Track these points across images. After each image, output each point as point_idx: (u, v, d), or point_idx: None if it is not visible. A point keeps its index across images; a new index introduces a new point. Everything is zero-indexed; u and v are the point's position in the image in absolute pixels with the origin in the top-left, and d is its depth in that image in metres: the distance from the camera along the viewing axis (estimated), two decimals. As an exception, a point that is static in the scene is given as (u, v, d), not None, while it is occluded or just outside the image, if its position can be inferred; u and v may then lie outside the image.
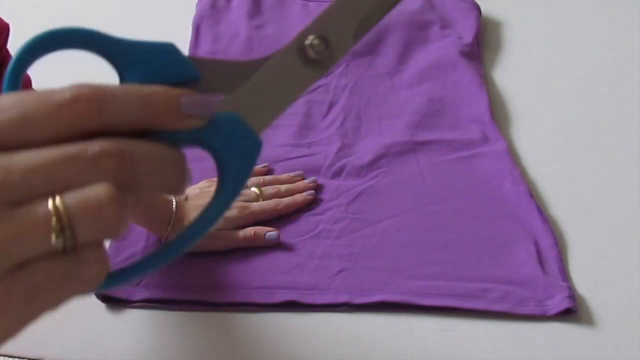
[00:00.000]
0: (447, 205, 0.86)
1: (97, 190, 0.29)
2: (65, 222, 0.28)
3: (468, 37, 1.12)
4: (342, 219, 0.83)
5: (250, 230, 0.80)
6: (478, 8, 1.19)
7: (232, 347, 0.71)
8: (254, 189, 0.84)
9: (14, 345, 0.71)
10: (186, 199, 0.80)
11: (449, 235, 0.82)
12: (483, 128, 0.96)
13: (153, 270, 0.34)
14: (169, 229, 0.77)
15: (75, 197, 0.28)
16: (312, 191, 0.86)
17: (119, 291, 0.74)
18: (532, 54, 1.14)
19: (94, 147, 0.29)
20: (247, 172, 0.34)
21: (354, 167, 0.90)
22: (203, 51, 1.10)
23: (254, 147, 0.33)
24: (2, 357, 0.70)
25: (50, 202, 0.28)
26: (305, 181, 0.88)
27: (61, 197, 0.28)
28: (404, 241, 0.81)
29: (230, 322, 0.74)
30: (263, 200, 0.84)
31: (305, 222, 0.83)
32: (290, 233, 0.82)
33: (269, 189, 0.85)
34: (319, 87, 1.04)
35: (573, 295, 0.75)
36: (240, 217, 0.80)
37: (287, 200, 0.84)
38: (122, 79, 0.34)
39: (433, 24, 1.14)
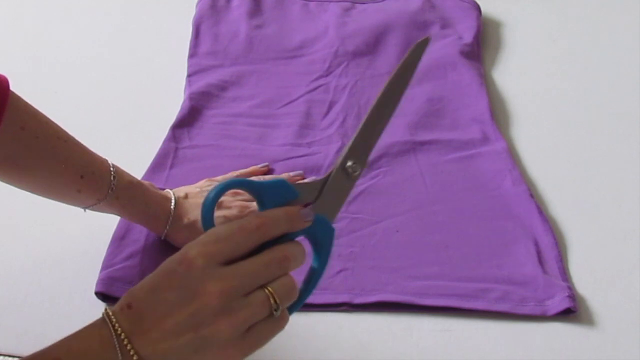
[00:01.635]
0: (447, 205, 0.86)
1: (287, 280, 0.51)
2: (277, 300, 0.50)
3: (468, 37, 1.12)
4: (342, 219, 0.83)
5: None
6: (478, 8, 1.19)
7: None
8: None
9: (14, 345, 0.71)
10: (186, 197, 0.80)
11: (449, 235, 0.82)
12: (483, 128, 0.96)
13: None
14: (167, 227, 0.78)
15: (277, 285, 0.50)
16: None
17: (120, 290, 0.74)
18: (532, 54, 1.14)
19: (278, 254, 0.50)
20: (332, 246, 0.54)
21: (354, 167, 0.90)
22: (203, 50, 1.10)
23: (333, 232, 0.54)
24: (2, 357, 0.70)
25: (266, 291, 0.49)
26: (306, 180, 0.88)
27: (270, 287, 0.50)
28: (403, 241, 0.81)
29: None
30: None
31: (305, 221, 0.83)
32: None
33: None
34: (319, 86, 1.04)
35: (573, 295, 0.75)
36: (240, 216, 0.80)
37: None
38: (264, 205, 0.51)
39: (433, 24, 1.14)
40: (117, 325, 0.48)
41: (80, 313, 0.74)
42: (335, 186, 0.52)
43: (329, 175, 0.52)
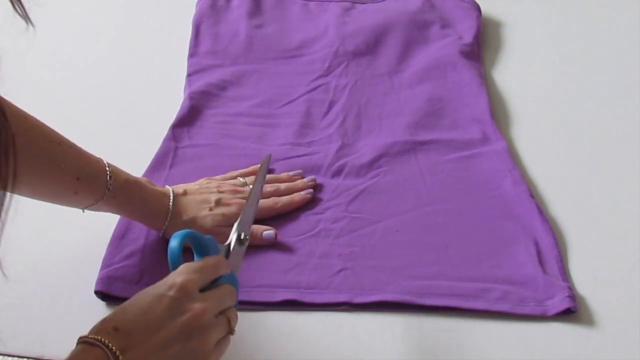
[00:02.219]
0: (447, 205, 0.86)
1: (235, 311, 0.64)
2: (232, 325, 0.62)
3: (468, 37, 1.12)
4: (342, 218, 0.83)
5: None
6: (478, 8, 1.18)
7: (232, 345, 0.71)
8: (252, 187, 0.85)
9: (14, 345, 0.71)
10: (184, 193, 0.80)
11: (449, 235, 0.82)
12: (483, 128, 0.96)
13: None
14: (166, 223, 0.78)
15: (231, 311, 0.63)
16: (311, 190, 0.86)
17: (119, 289, 0.75)
18: (532, 54, 1.14)
19: (231, 288, 0.64)
20: (239, 291, 0.65)
21: (354, 167, 0.90)
22: (203, 50, 1.10)
23: (237, 282, 0.65)
24: (2, 357, 0.70)
25: (225, 317, 0.61)
26: (304, 180, 0.88)
27: (228, 313, 0.62)
28: (404, 241, 0.81)
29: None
30: (261, 198, 0.84)
31: (305, 221, 0.83)
32: (290, 232, 0.82)
33: (267, 187, 0.85)
34: (319, 86, 1.04)
35: (573, 295, 0.75)
36: (239, 214, 0.80)
37: (285, 199, 0.84)
38: (202, 254, 0.64)
39: (433, 23, 1.14)
40: (110, 344, 0.54)
41: (80, 312, 0.74)
42: (235, 250, 0.66)
43: (230, 243, 0.66)
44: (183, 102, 1.00)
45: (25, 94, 1.04)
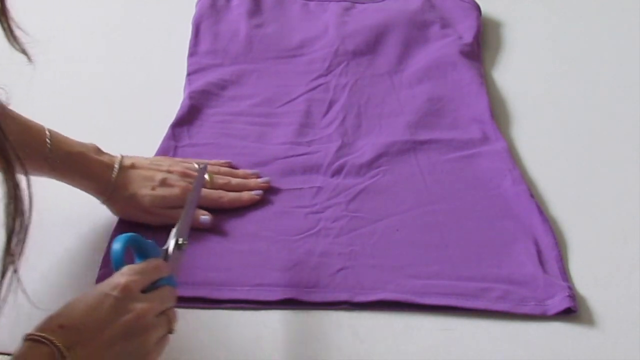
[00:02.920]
0: (447, 204, 0.86)
1: (174, 311, 0.65)
2: (172, 325, 0.64)
3: (468, 37, 1.12)
4: (342, 217, 0.83)
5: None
6: (478, 8, 1.18)
7: (232, 344, 0.71)
8: (205, 175, 0.84)
9: (14, 344, 0.71)
10: (132, 166, 0.81)
11: (449, 235, 0.82)
12: (483, 127, 0.96)
13: None
14: (107, 194, 0.79)
15: (171, 313, 0.64)
16: (261, 192, 0.86)
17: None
18: (532, 54, 1.14)
19: (173, 290, 0.65)
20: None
21: (354, 166, 0.90)
22: (203, 49, 1.10)
23: (176, 285, 0.67)
24: (2, 356, 0.70)
25: (166, 317, 0.63)
26: (259, 180, 0.88)
27: (168, 314, 0.63)
28: (403, 240, 0.81)
29: (230, 320, 0.73)
30: (211, 187, 0.84)
31: (305, 220, 0.83)
32: (290, 231, 0.82)
33: (220, 179, 0.85)
34: (319, 85, 1.04)
35: (573, 295, 0.75)
36: (181, 198, 0.80)
37: (232, 195, 0.84)
38: (143, 257, 0.65)
39: (433, 23, 1.14)
40: (56, 341, 0.55)
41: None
42: (174, 255, 0.68)
43: (168, 248, 0.68)
44: (183, 102, 1.00)
45: (25, 93, 1.04)
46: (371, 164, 0.91)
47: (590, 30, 1.19)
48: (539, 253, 0.79)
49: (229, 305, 0.75)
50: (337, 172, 0.89)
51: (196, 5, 1.18)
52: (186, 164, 0.85)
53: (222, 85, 1.03)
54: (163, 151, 0.92)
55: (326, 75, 1.06)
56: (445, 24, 1.14)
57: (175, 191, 0.80)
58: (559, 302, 0.74)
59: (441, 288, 0.76)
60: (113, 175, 0.78)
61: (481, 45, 1.14)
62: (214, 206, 0.83)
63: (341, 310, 0.75)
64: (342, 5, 1.19)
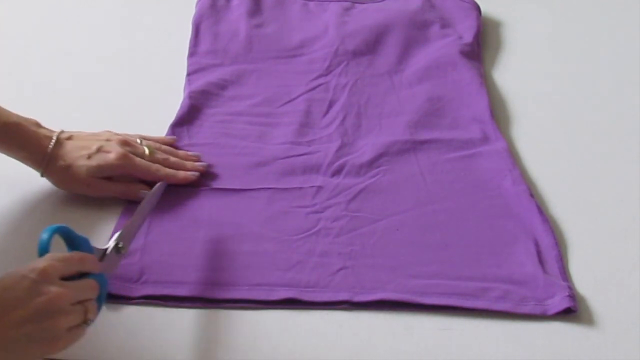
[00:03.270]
0: (447, 204, 0.86)
1: (95, 305, 0.65)
2: (89, 316, 0.64)
3: (468, 37, 1.12)
4: (342, 217, 0.83)
5: (125, 185, 0.84)
6: (478, 8, 1.19)
7: (232, 344, 0.71)
8: (145, 147, 0.85)
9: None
10: (70, 138, 0.82)
11: (449, 234, 0.82)
12: (483, 127, 0.96)
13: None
14: (44, 165, 0.80)
15: (89, 304, 0.64)
16: (197, 173, 0.87)
17: (119, 288, 0.75)
18: (532, 54, 1.14)
19: (93, 282, 0.66)
20: (106, 292, 0.68)
21: (354, 166, 0.90)
22: (203, 49, 1.10)
23: (107, 284, 0.68)
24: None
25: (83, 307, 0.63)
26: (196, 164, 0.88)
27: (86, 305, 0.64)
28: (403, 240, 0.81)
29: (229, 319, 0.73)
30: (150, 161, 0.85)
31: (305, 219, 0.83)
32: (290, 230, 0.82)
33: (159, 154, 0.86)
34: (319, 85, 1.04)
35: (573, 295, 0.75)
36: (117, 165, 0.81)
37: (168, 171, 0.85)
38: (72, 247, 0.67)
39: (433, 23, 1.14)
40: None
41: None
42: (110, 256, 0.70)
43: (107, 248, 0.70)
44: (183, 101, 1.00)
45: (25, 93, 1.04)
46: (371, 163, 0.90)
47: (590, 30, 1.19)
48: (539, 253, 0.79)
49: (229, 305, 0.75)
50: (337, 172, 0.89)
51: (196, 5, 1.18)
52: (128, 136, 0.86)
53: (222, 85, 1.03)
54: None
55: (326, 75, 1.06)
56: (445, 24, 1.14)
57: (110, 157, 0.81)
58: (558, 302, 0.74)
59: (441, 288, 0.76)
60: (50, 146, 0.80)
61: (481, 45, 1.14)
62: (150, 178, 0.84)
63: (341, 310, 0.74)
64: (342, 5, 1.19)
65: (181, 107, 0.99)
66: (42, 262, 0.61)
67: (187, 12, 1.17)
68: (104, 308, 0.70)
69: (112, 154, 0.81)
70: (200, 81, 1.03)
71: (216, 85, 1.03)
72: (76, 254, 0.66)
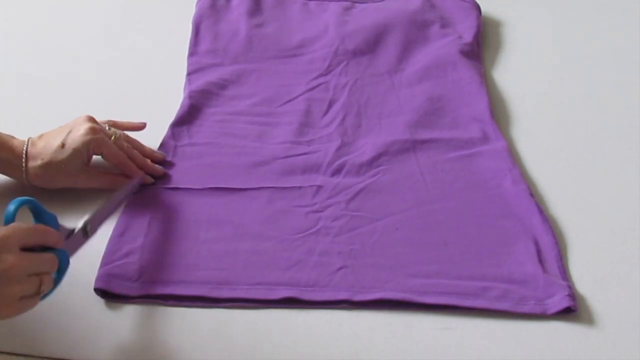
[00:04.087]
0: (447, 203, 0.86)
1: (51, 279, 0.66)
2: (43, 289, 0.65)
3: (468, 37, 1.12)
4: (342, 217, 0.83)
5: (112, 176, 0.86)
6: (478, 8, 1.19)
7: (232, 343, 0.71)
8: (113, 131, 0.86)
9: (13, 342, 0.71)
10: (40, 136, 0.83)
11: (449, 234, 0.82)
12: (483, 127, 0.96)
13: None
14: (24, 169, 0.82)
15: (46, 277, 0.65)
16: (144, 177, 0.87)
17: (118, 287, 0.75)
18: (532, 54, 1.14)
19: (52, 257, 0.66)
20: (66, 269, 0.69)
21: (354, 165, 0.90)
22: (203, 49, 1.10)
23: (68, 263, 0.69)
24: (2, 355, 0.70)
25: (38, 279, 0.64)
26: (156, 166, 0.88)
27: (42, 277, 0.64)
28: (403, 239, 0.81)
29: (229, 318, 0.73)
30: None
31: (305, 219, 0.83)
32: (290, 230, 0.82)
33: (125, 144, 0.87)
34: (319, 85, 1.04)
35: (573, 295, 0.75)
36: (90, 140, 0.82)
37: (133, 165, 0.86)
38: (39, 221, 0.68)
39: (433, 23, 1.14)
40: None
41: (80, 309, 0.74)
42: (76, 236, 0.71)
43: (74, 229, 0.71)
44: (183, 101, 1.00)
45: (25, 93, 1.04)
46: (371, 163, 0.91)
47: (590, 30, 1.19)
48: (539, 252, 0.79)
49: (228, 304, 0.75)
50: (337, 172, 0.90)
51: (196, 5, 1.18)
52: (97, 122, 0.86)
53: (222, 85, 1.03)
54: (163, 150, 0.92)
55: (326, 74, 1.06)
56: (445, 24, 1.15)
57: (79, 134, 0.82)
58: (558, 302, 0.74)
59: (441, 287, 0.76)
60: (24, 149, 0.82)
61: (481, 45, 1.14)
62: (115, 163, 0.85)
63: (341, 310, 0.75)
64: (342, 5, 1.19)
65: (181, 106, 0.99)
66: (3, 230, 0.62)
67: (187, 12, 1.18)
68: (104, 308, 0.70)
69: (81, 130, 0.82)
70: (200, 81, 1.03)
71: (216, 85, 1.03)
72: (40, 226, 0.67)
